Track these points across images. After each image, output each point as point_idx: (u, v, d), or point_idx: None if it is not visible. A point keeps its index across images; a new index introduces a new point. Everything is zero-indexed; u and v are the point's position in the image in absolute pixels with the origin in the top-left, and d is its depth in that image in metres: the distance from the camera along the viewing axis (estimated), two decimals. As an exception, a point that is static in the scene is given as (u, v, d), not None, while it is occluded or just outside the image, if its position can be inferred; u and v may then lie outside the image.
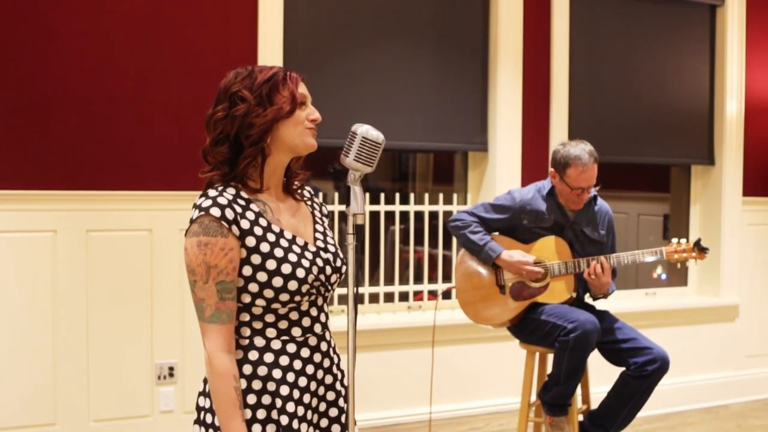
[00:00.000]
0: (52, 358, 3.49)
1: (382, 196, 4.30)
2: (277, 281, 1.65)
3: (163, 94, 3.64)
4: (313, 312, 1.74)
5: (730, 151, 4.89)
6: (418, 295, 4.47)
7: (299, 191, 1.85)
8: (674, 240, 3.34)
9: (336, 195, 4.38)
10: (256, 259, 1.65)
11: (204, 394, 1.71)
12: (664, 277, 5.26)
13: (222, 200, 1.65)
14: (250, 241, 1.66)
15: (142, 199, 3.63)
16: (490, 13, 4.38)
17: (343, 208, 3.95)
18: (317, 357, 1.74)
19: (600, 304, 3.52)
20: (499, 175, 4.33)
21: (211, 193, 1.66)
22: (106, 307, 3.57)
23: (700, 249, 3.30)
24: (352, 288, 1.72)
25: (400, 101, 4.20)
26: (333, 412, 1.78)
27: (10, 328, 3.44)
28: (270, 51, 3.78)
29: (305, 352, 1.71)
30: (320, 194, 4.13)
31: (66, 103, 3.51)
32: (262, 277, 1.65)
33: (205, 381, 1.70)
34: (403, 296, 4.40)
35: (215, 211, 1.63)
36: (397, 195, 4.33)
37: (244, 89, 1.67)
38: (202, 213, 1.63)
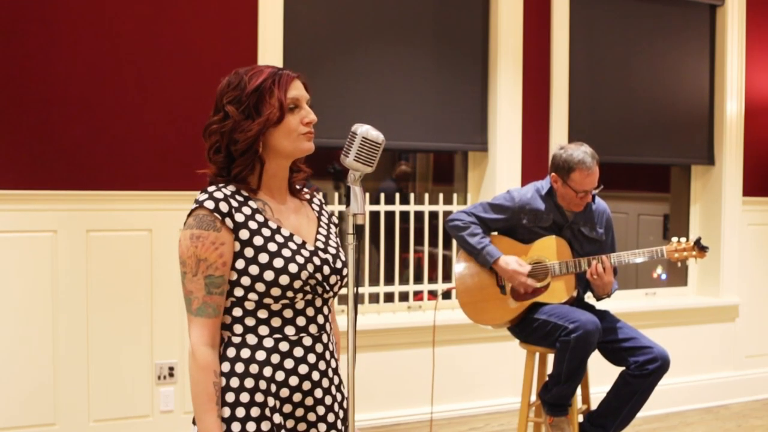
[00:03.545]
0: (52, 358, 3.49)
1: (382, 196, 4.30)
2: (269, 275, 1.66)
3: (163, 94, 3.64)
4: (309, 312, 1.73)
5: (730, 151, 4.89)
6: (418, 295, 4.47)
7: (307, 195, 1.88)
8: (674, 239, 3.34)
9: (336, 195, 4.38)
10: (249, 252, 1.67)
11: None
12: (664, 277, 5.26)
13: (218, 195, 1.68)
14: (244, 234, 1.67)
15: (142, 199, 3.63)
16: (490, 13, 4.38)
17: (343, 208, 3.95)
18: (311, 357, 1.73)
19: (600, 304, 3.52)
20: (499, 175, 4.33)
21: (210, 188, 1.70)
22: (106, 307, 3.57)
23: (700, 248, 3.30)
24: (352, 288, 1.71)
25: (400, 101, 4.20)
26: (330, 417, 1.76)
27: (10, 328, 3.44)
28: (270, 51, 3.78)
29: (299, 351, 1.71)
30: (320, 194, 4.13)
31: (67, 104, 3.51)
32: (254, 270, 1.66)
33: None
34: (403, 296, 4.40)
35: (209, 204, 1.66)
36: (397, 195, 4.33)
37: (232, 102, 1.70)
38: (197, 206, 1.67)
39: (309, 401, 1.72)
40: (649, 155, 4.86)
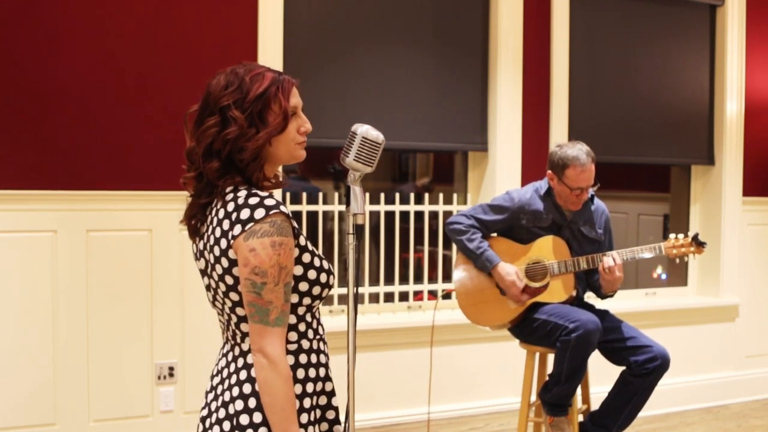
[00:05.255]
0: (52, 358, 3.49)
1: (382, 196, 4.30)
2: (323, 277, 1.68)
3: (163, 93, 3.64)
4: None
5: (730, 151, 4.89)
6: (418, 295, 4.47)
7: None
8: (672, 235, 3.34)
9: (336, 195, 4.38)
10: (306, 257, 1.66)
11: (258, 409, 1.60)
12: (664, 277, 5.26)
13: (278, 198, 1.63)
14: (302, 240, 1.66)
15: (142, 199, 3.63)
16: (490, 13, 4.38)
17: (343, 207, 3.94)
18: (329, 353, 1.79)
19: (600, 304, 3.52)
20: (499, 175, 4.33)
21: (262, 193, 1.62)
22: (106, 307, 3.57)
23: (697, 243, 3.30)
24: (352, 288, 1.72)
25: (400, 101, 4.20)
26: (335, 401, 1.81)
27: (10, 327, 3.44)
28: (270, 51, 3.78)
29: (326, 348, 1.76)
30: (320, 194, 4.14)
31: (66, 103, 3.51)
32: (312, 274, 1.66)
33: (243, 397, 1.62)
34: (403, 296, 4.40)
35: (285, 209, 1.60)
36: (397, 195, 4.33)
37: (235, 107, 1.60)
38: (275, 211, 1.57)
39: (335, 401, 1.78)
40: (649, 155, 4.86)
